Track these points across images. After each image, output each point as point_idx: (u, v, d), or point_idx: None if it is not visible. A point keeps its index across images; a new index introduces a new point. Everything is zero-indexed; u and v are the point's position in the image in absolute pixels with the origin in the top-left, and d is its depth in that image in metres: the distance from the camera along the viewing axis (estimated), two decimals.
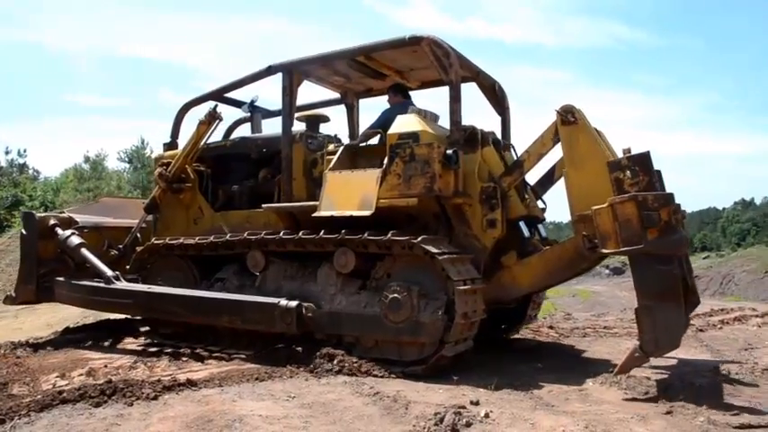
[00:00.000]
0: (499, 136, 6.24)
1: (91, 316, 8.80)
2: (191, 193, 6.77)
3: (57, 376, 5.03)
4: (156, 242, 6.73)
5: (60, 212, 7.85)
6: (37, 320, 10.56)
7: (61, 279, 6.90)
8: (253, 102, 7.14)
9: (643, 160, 4.30)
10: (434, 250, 4.84)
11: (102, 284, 6.49)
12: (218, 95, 6.91)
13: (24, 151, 40.65)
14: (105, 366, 5.34)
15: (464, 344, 4.99)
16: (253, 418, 3.78)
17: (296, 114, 6.62)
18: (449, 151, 5.12)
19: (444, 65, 5.39)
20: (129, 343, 6.55)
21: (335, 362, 5.04)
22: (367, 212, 5.22)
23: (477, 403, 4.11)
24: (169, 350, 5.95)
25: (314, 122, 6.72)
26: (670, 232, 4.11)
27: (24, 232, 7.20)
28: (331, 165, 5.71)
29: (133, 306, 6.44)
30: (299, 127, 6.47)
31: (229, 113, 8.23)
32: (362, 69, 6.55)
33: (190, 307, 6.00)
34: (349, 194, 5.41)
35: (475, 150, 5.45)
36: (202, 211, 6.73)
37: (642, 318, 4.19)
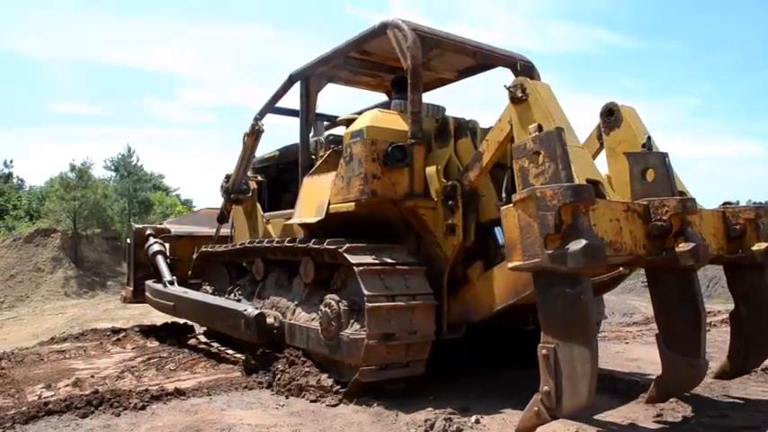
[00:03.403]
0: None
1: (77, 326, 8.76)
2: (251, 202, 6.99)
3: (42, 387, 4.98)
4: (203, 249, 7.25)
5: (160, 223, 9.41)
6: (22, 331, 10.56)
7: (147, 282, 7.71)
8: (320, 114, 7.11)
9: (548, 140, 3.16)
10: (353, 260, 4.27)
11: (161, 287, 7.23)
12: (274, 108, 6.87)
13: (11, 162, 40.69)
14: (92, 376, 5.31)
15: (402, 370, 4.31)
16: (242, 426, 3.79)
17: (339, 118, 6.50)
18: (390, 148, 4.53)
19: (402, 49, 4.78)
20: (117, 352, 6.53)
21: (281, 371, 4.81)
22: (315, 219, 4.95)
23: (467, 409, 4.08)
24: (157, 358, 5.98)
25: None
26: (575, 240, 2.93)
27: (128, 241, 8.52)
28: (312, 170, 5.51)
29: (173, 308, 6.98)
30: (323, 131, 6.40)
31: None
32: (374, 66, 6.25)
33: (196, 311, 6.49)
34: (313, 201, 5.15)
35: (447, 144, 4.74)
36: (258, 219, 6.89)
37: (542, 361, 3.06)
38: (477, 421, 3.84)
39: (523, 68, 5.61)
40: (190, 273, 7.52)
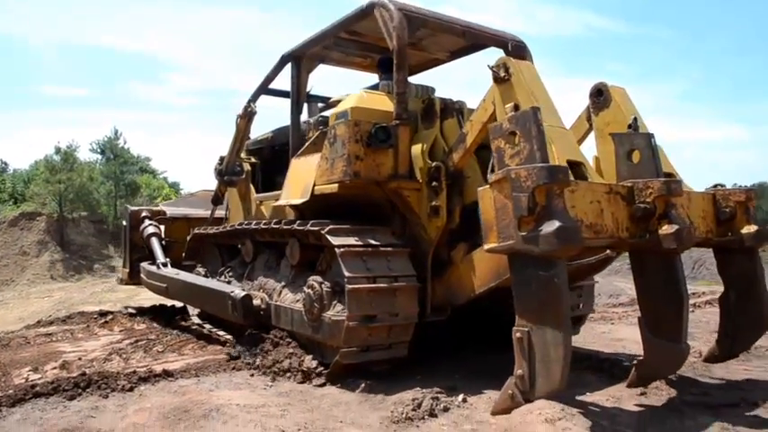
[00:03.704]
0: None
1: (63, 309, 8.74)
2: (245, 184, 6.97)
3: (29, 370, 4.94)
4: (196, 231, 7.26)
5: (156, 205, 9.42)
6: (9, 314, 10.51)
7: (142, 264, 7.70)
8: (307, 92, 7.06)
9: (524, 120, 3.05)
10: (335, 242, 4.25)
11: (155, 269, 7.25)
12: (267, 89, 6.75)
13: None
14: (79, 359, 5.28)
15: (384, 352, 4.32)
16: (230, 407, 3.80)
17: (331, 99, 6.39)
18: (374, 129, 4.48)
19: (388, 28, 4.69)
20: (104, 335, 6.51)
21: (265, 352, 4.84)
22: (300, 201, 4.95)
23: (453, 389, 4.13)
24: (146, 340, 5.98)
25: None
26: (548, 222, 2.86)
27: (124, 223, 8.50)
28: (300, 151, 5.48)
29: (166, 290, 6.99)
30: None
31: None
32: (365, 47, 6.12)
33: (187, 292, 6.52)
34: (299, 182, 5.13)
35: (433, 124, 4.69)
36: (251, 201, 6.87)
37: (516, 344, 3.03)
38: (464, 400, 3.89)
39: (515, 48, 5.50)
40: (183, 254, 7.53)
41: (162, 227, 8.07)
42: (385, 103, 4.86)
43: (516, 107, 3.26)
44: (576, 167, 3.66)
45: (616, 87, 4.38)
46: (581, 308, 5.34)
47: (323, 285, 4.45)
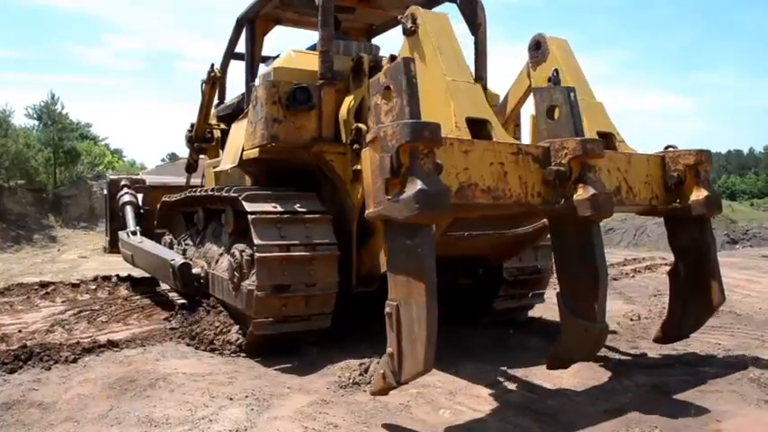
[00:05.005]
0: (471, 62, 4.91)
1: (1, 281, 8.47)
2: (215, 150, 6.85)
3: None
4: (164, 199, 7.11)
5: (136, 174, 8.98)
6: None
7: (120, 233, 7.61)
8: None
9: (396, 73, 2.74)
10: (249, 208, 4.09)
11: (125, 237, 7.21)
12: (233, 54, 6.52)
13: None
14: (19, 331, 5.12)
15: (304, 323, 4.15)
16: (177, 376, 3.79)
17: None
18: (293, 90, 4.26)
19: None
20: (45, 306, 6.35)
21: (196, 321, 4.78)
22: (229, 166, 4.82)
23: None
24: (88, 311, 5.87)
25: None
26: (410, 185, 2.57)
27: (105, 192, 8.50)
28: (241, 115, 5.29)
29: (133, 258, 6.97)
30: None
31: None
32: (317, 6, 6.08)
33: (144, 260, 6.47)
34: (232, 147, 5.00)
35: (361, 84, 4.40)
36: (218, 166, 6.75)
37: (387, 320, 2.73)
38: None
39: (464, 1, 5.16)
40: (155, 223, 7.43)
41: (140, 195, 7.95)
42: (314, 63, 4.61)
43: (393, 58, 2.97)
44: (481, 126, 3.36)
45: (555, 39, 4.06)
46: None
47: (243, 254, 4.30)
